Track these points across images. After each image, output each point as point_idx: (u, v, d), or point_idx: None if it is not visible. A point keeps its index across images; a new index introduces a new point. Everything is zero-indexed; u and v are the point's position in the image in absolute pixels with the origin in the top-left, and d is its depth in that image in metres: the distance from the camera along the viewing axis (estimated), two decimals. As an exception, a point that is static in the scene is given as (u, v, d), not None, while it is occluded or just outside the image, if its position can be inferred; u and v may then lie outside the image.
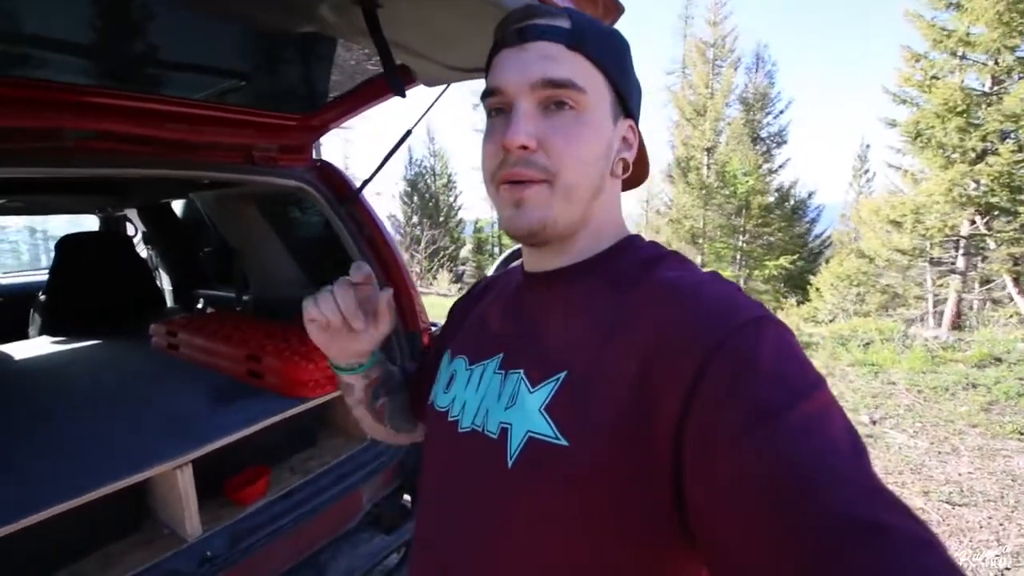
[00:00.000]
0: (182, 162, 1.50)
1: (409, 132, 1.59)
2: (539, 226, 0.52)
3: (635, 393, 0.43)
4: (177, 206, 3.44)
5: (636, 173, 0.63)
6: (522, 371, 0.53)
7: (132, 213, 3.47)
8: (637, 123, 0.58)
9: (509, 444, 0.50)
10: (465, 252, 24.67)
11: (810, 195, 18.97)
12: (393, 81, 1.00)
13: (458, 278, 19.08)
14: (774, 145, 18.22)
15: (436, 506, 0.59)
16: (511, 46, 0.52)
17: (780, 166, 18.21)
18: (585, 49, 0.51)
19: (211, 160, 1.57)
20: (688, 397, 0.40)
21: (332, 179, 1.83)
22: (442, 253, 18.89)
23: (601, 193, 0.55)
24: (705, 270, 0.50)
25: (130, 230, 3.57)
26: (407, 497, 1.91)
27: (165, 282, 3.53)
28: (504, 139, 0.50)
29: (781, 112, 18.41)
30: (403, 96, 1.05)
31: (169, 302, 3.45)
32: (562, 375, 0.49)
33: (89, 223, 3.74)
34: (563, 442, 0.46)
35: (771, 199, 17.43)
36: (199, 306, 3.22)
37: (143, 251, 3.59)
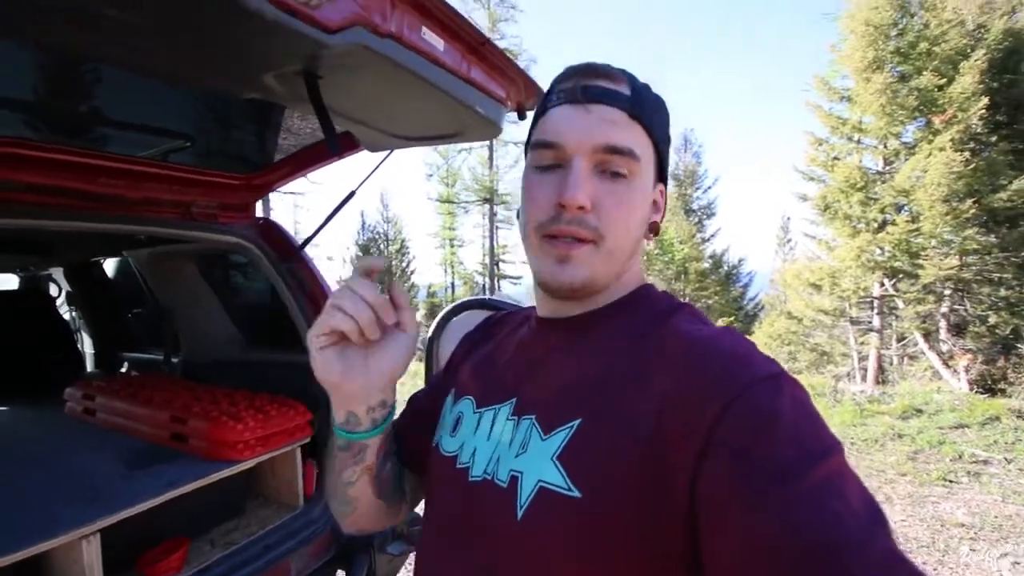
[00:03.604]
0: (118, 217, 1.50)
1: (352, 193, 1.66)
2: (581, 285, 0.53)
3: (651, 445, 0.42)
4: (108, 266, 3.29)
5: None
6: (534, 417, 0.52)
7: (57, 272, 3.30)
8: (666, 186, 0.60)
9: (519, 494, 0.48)
10: (418, 317, 24.33)
11: (740, 261, 20.48)
12: (330, 141, 1.07)
13: (408, 343, 18.62)
14: (705, 216, 19.80)
15: (442, 561, 0.56)
16: (573, 103, 0.52)
17: (712, 235, 19.79)
18: (643, 118, 0.52)
19: (149, 215, 1.56)
20: (703, 451, 0.40)
21: (274, 236, 1.86)
22: (392, 318, 18.57)
23: (634, 255, 0.56)
24: (719, 324, 0.52)
25: (52, 290, 3.37)
26: (341, 573, 1.80)
27: (87, 345, 3.30)
28: (564, 197, 0.50)
29: (709, 187, 20.19)
30: (337, 154, 1.12)
31: (90, 366, 3.22)
32: (576, 423, 0.47)
33: (7, 282, 3.50)
34: (575, 493, 0.44)
35: (706, 265, 18.65)
36: (123, 370, 3.02)
37: (66, 312, 3.37)
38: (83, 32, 0.84)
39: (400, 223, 25.24)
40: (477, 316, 1.75)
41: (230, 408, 1.70)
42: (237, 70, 1.03)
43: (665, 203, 0.60)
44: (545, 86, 0.61)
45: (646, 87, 0.55)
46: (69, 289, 3.28)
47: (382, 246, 24.41)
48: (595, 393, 0.48)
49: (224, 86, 1.15)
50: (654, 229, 0.60)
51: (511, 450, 0.51)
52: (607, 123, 0.51)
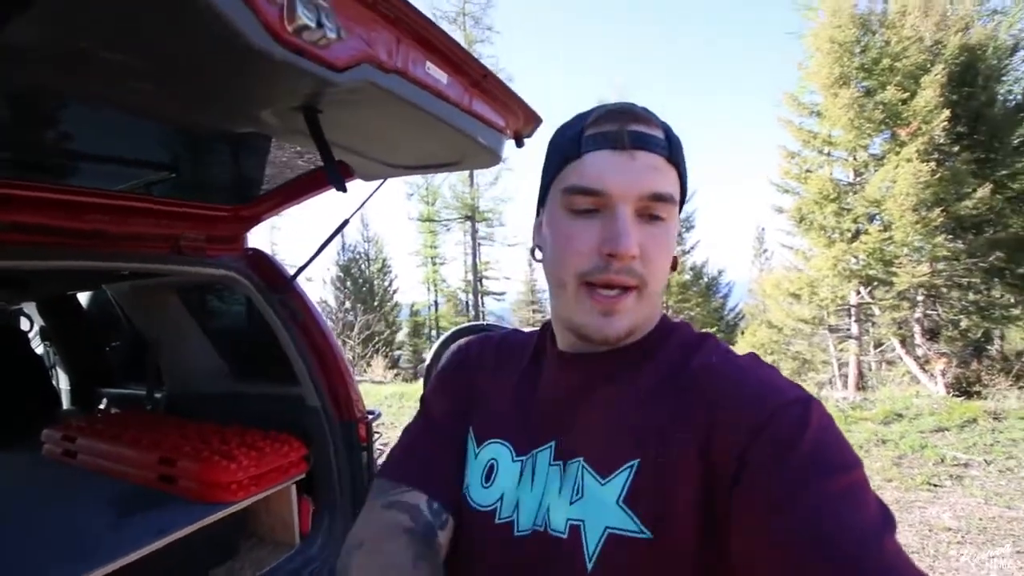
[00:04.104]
0: (104, 253, 1.45)
1: (346, 222, 1.64)
2: (627, 332, 0.52)
3: (702, 477, 0.44)
4: (82, 297, 3.19)
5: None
6: (582, 459, 0.50)
7: (29, 306, 3.17)
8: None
9: (585, 544, 0.46)
10: (401, 336, 24.16)
11: (720, 272, 20.80)
12: (334, 179, 1.05)
13: (394, 363, 18.47)
14: (684, 229, 20.07)
15: None
16: (617, 149, 0.50)
17: (692, 247, 20.02)
18: (678, 164, 0.53)
19: (136, 251, 1.52)
20: (737, 472, 0.42)
21: (263, 267, 1.82)
22: (377, 338, 18.37)
23: (662, 291, 0.56)
24: (742, 353, 0.53)
25: (24, 324, 3.24)
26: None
27: (62, 381, 3.18)
28: (618, 248, 0.48)
29: (687, 200, 20.52)
30: (344, 191, 1.10)
31: (66, 403, 3.09)
32: (635, 463, 0.47)
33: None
34: (647, 535, 0.44)
35: (687, 277, 18.88)
36: (101, 406, 2.91)
37: (39, 347, 3.24)
38: (74, 76, 0.81)
39: (381, 242, 25.06)
40: (474, 342, 1.73)
41: (221, 446, 1.64)
42: (234, 107, 1.02)
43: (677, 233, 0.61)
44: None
45: (671, 128, 0.55)
46: (42, 323, 3.16)
47: (363, 266, 24.20)
48: (645, 432, 0.48)
49: (217, 122, 1.13)
50: (674, 265, 0.58)
51: (562, 497, 0.49)
52: (652, 170, 0.50)
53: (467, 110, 1.06)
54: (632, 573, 0.44)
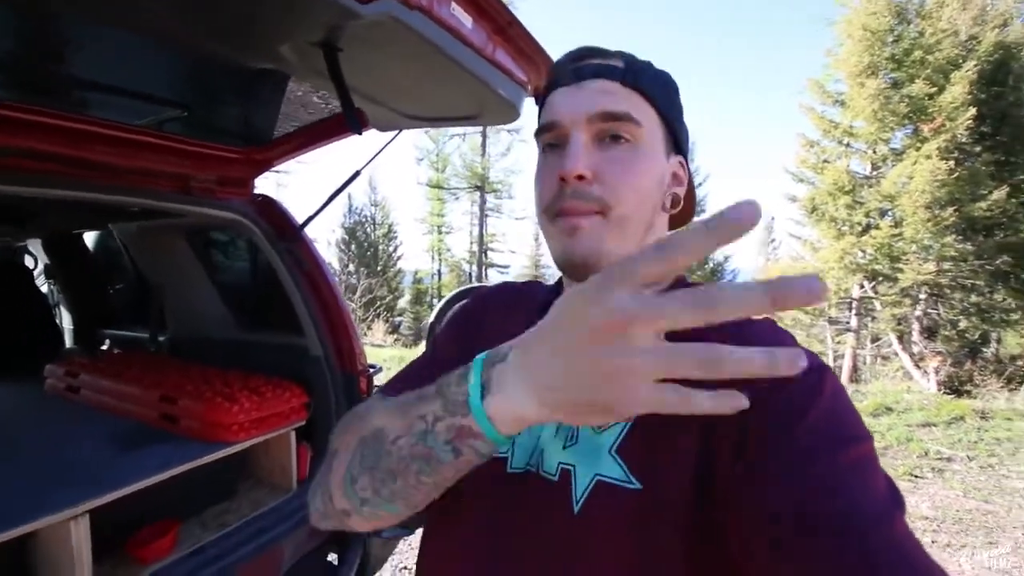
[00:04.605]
0: (111, 187, 1.43)
1: (358, 173, 1.62)
2: (593, 257, 0.50)
3: (702, 435, 0.43)
4: (88, 239, 3.18)
5: (686, 209, 0.62)
6: None
7: (35, 244, 3.17)
8: (687, 161, 0.59)
9: (574, 488, 0.47)
10: (403, 303, 24.25)
11: (726, 259, 20.65)
12: (351, 120, 1.03)
13: (394, 328, 18.58)
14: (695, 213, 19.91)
15: (482, 552, 0.52)
16: (567, 84, 0.53)
17: (700, 231, 19.88)
18: (640, 86, 0.52)
19: (144, 187, 1.50)
20: (742, 438, 0.41)
21: (273, 214, 1.80)
22: (379, 302, 18.46)
23: (653, 227, 0.54)
24: (760, 318, 0.50)
25: (29, 262, 3.25)
26: (333, 556, 1.78)
27: (65, 320, 3.20)
28: (561, 170, 0.49)
29: (699, 184, 20.29)
30: (360, 133, 1.08)
31: (68, 342, 3.12)
32: None
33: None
34: (636, 485, 0.44)
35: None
36: (104, 347, 2.93)
37: (43, 285, 3.26)
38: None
39: (387, 207, 24.83)
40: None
41: (224, 388, 1.65)
42: (252, 38, 0.99)
43: (689, 177, 0.58)
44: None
45: (646, 61, 0.55)
46: (47, 262, 3.17)
47: (368, 230, 24.10)
48: None
49: (235, 55, 1.10)
50: (676, 202, 0.56)
51: (556, 441, 0.50)
52: (601, 93, 0.51)
53: (489, 59, 1.03)
54: (618, 521, 0.44)
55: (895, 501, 0.38)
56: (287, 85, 1.38)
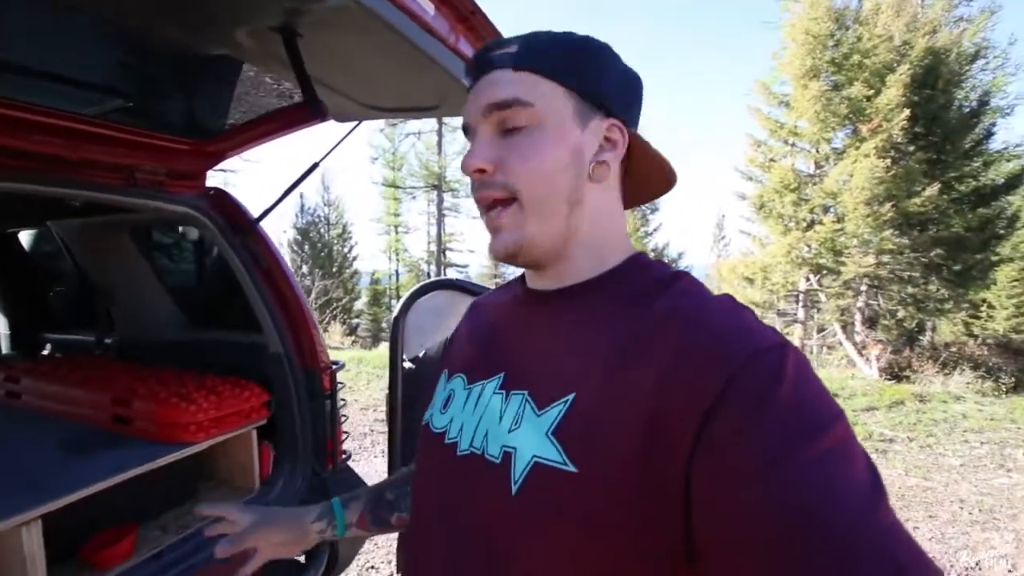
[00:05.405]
0: (51, 179, 1.36)
1: (316, 165, 1.59)
2: (515, 247, 0.52)
3: (649, 422, 0.41)
4: (24, 239, 2.98)
5: (651, 181, 0.60)
6: (526, 392, 0.50)
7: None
8: (631, 123, 0.55)
9: (513, 470, 0.47)
10: (360, 304, 23.76)
11: (680, 255, 21.35)
12: (313, 105, 1.02)
13: (352, 330, 18.19)
14: (649, 211, 20.40)
15: (431, 535, 0.55)
16: (472, 82, 0.54)
17: (655, 229, 20.44)
18: (533, 65, 0.50)
19: (86, 179, 1.43)
20: (701, 430, 0.38)
21: (227, 207, 1.75)
22: (335, 304, 18.03)
23: (581, 203, 0.52)
24: (719, 293, 0.49)
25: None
26: (299, 557, 1.75)
27: (1, 325, 2.99)
28: (463, 166, 0.52)
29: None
30: (323, 118, 1.06)
31: (5, 348, 2.92)
32: (570, 398, 0.46)
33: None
34: (571, 468, 0.44)
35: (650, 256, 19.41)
36: (44, 352, 2.77)
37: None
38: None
39: (342, 207, 24.29)
40: (444, 297, 1.74)
41: (179, 389, 1.60)
42: (206, 22, 0.96)
43: (626, 139, 0.54)
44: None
45: (548, 35, 0.53)
46: (-22, 263, 2.95)
47: (322, 230, 23.48)
48: (589, 367, 0.47)
49: (187, 39, 1.06)
50: (605, 170, 0.53)
51: (502, 425, 0.50)
52: (490, 85, 0.52)
53: (452, 48, 1.03)
54: (554, 502, 0.44)
55: (875, 488, 0.36)
56: (240, 73, 1.34)
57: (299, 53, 0.97)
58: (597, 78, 0.52)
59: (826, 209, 10.68)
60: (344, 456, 1.93)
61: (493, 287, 0.74)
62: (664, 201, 23.25)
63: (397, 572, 1.34)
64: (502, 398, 0.52)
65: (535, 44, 0.52)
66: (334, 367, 1.87)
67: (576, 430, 0.45)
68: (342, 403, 1.89)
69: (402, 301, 1.66)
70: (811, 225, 10.67)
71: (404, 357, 1.63)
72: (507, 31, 1.06)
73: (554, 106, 0.50)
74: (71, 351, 2.66)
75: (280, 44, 0.99)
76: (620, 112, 0.54)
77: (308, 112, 1.11)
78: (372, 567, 2.73)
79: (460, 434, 0.55)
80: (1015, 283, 13.60)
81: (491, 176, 0.51)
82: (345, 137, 1.58)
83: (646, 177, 0.59)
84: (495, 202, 0.52)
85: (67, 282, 2.74)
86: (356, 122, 1.53)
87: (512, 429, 0.49)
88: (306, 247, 22.60)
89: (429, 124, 21.03)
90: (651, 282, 0.51)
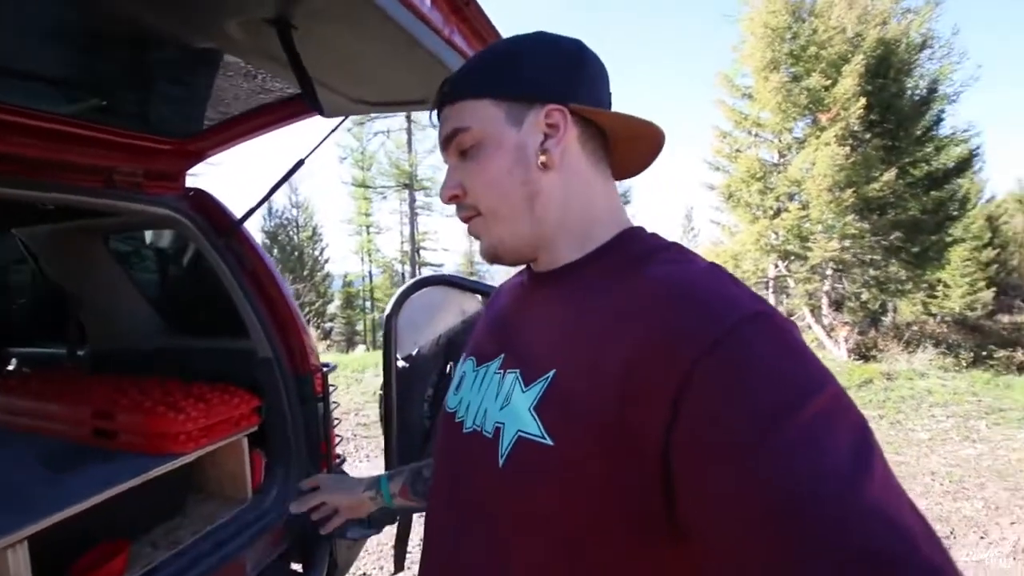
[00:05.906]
0: (21, 182, 1.29)
1: (301, 162, 1.55)
2: (492, 251, 0.58)
3: (623, 396, 0.42)
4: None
5: (637, 145, 0.59)
6: (518, 371, 0.53)
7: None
8: (580, 99, 0.54)
9: (501, 443, 0.50)
10: (333, 308, 23.36)
11: (654, 247, 21.67)
12: (311, 100, 0.99)
13: (326, 335, 17.89)
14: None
15: (440, 509, 0.60)
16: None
17: (627, 221, 20.69)
18: (462, 93, 0.55)
19: (61, 182, 1.36)
20: (675, 408, 0.38)
21: (208, 209, 1.69)
22: (308, 308, 17.70)
23: (538, 195, 0.54)
24: (704, 261, 0.49)
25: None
26: (296, 566, 1.71)
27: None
28: (439, 195, 0.59)
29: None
30: (322, 113, 1.04)
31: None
32: (550, 374, 0.48)
33: None
34: (548, 441, 0.46)
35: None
36: (10, 368, 2.63)
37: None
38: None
39: (311, 208, 23.77)
40: (436, 293, 1.72)
41: (165, 398, 1.54)
42: (194, 14, 0.92)
43: (566, 120, 0.53)
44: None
45: (471, 62, 0.57)
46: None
47: (291, 233, 22.96)
48: (567, 344, 0.49)
49: (177, 32, 1.02)
50: (551, 157, 0.53)
51: (496, 403, 0.54)
52: (441, 122, 0.58)
53: (447, 40, 1.02)
54: (536, 474, 0.47)
55: (854, 461, 0.33)
56: (220, 67, 1.29)
57: (294, 46, 0.94)
58: (517, 76, 0.54)
59: (791, 197, 11.02)
60: (338, 460, 1.89)
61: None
62: (635, 193, 23.54)
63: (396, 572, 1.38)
64: (500, 377, 0.56)
65: (461, 73, 0.57)
66: (325, 369, 1.84)
67: (554, 405, 0.47)
68: (335, 405, 1.85)
69: (395, 298, 1.63)
70: (778, 213, 10.99)
71: (397, 356, 1.61)
72: (504, 28, 1.05)
73: (487, 120, 0.54)
74: (40, 365, 2.53)
75: (271, 37, 0.96)
76: (557, 96, 0.54)
77: (301, 107, 1.09)
78: (364, 575, 2.70)
79: (467, 413, 0.59)
80: (967, 262, 14.31)
81: (463, 199, 0.57)
82: (332, 132, 1.54)
83: (631, 143, 0.59)
84: (468, 217, 0.58)
85: (34, 293, 2.61)
86: (343, 117, 1.50)
87: (504, 406, 0.52)
88: (275, 250, 22.06)
89: (398, 122, 20.73)
90: (633, 256, 0.53)
